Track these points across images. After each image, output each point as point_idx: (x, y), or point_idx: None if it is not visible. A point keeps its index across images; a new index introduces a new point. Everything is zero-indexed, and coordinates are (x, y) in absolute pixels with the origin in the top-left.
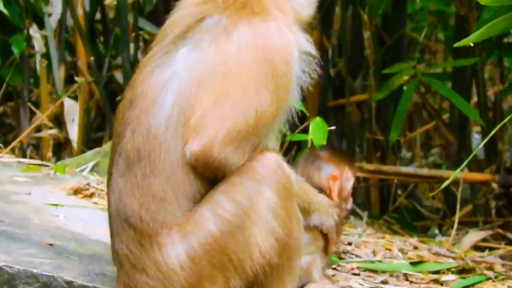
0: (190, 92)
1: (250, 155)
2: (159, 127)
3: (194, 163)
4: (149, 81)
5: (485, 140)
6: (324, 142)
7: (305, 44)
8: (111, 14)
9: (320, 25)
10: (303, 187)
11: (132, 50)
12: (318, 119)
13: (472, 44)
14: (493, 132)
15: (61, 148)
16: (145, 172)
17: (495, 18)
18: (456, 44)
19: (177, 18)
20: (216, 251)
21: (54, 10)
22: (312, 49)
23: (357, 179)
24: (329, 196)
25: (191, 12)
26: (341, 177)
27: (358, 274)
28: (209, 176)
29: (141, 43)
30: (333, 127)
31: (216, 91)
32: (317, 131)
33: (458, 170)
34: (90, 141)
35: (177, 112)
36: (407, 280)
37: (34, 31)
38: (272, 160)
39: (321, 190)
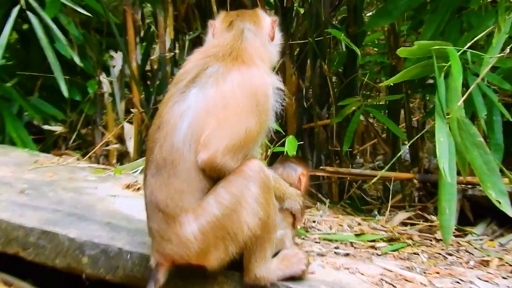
0: (200, 119)
1: (242, 161)
2: (179, 143)
3: (203, 168)
4: (171, 113)
5: (402, 151)
6: (294, 153)
7: (278, 82)
8: (155, 66)
9: (297, 72)
10: (279, 182)
11: None
12: (291, 137)
13: (392, 84)
14: (411, 142)
15: (123, 157)
16: (169, 174)
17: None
18: (381, 84)
19: (188, 68)
20: (218, 227)
21: (117, 63)
22: (281, 85)
23: (322, 177)
24: (298, 188)
25: (198, 64)
26: (307, 175)
27: (319, 242)
28: (214, 176)
29: None
30: (302, 142)
31: (218, 118)
32: (290, 145)
33: (383, 171)
34: (142, 152)
35: (191, 133)
36: (352, 246)
37: (103, 77)
38: (256, 165)
39: (292, 184)
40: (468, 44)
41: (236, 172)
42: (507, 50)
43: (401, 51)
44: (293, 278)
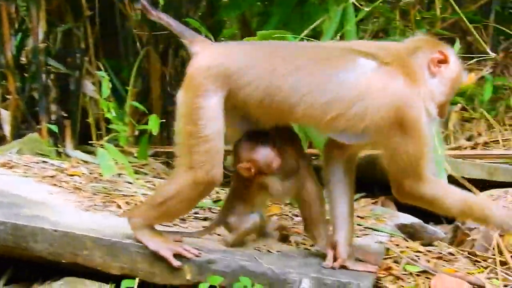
0: None
1: None
2: None
3: None
4: None
5: None
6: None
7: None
8: (30, 56)
9: (161, 60)
10: None
11: None
12: (154, 116)
13: None
14: None
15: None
16: None
17: None
18: None
19: None
20: None
21: None
22: None
23: None
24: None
25: None
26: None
27: None
28: None
29: None
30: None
31: None
32: (153, 123)
33: None
34: (17, 135)
35: None
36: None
37: None
38: None
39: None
40: (305, 32)
41: None
42: (338, 36)
43: (245, 40)
44: None
